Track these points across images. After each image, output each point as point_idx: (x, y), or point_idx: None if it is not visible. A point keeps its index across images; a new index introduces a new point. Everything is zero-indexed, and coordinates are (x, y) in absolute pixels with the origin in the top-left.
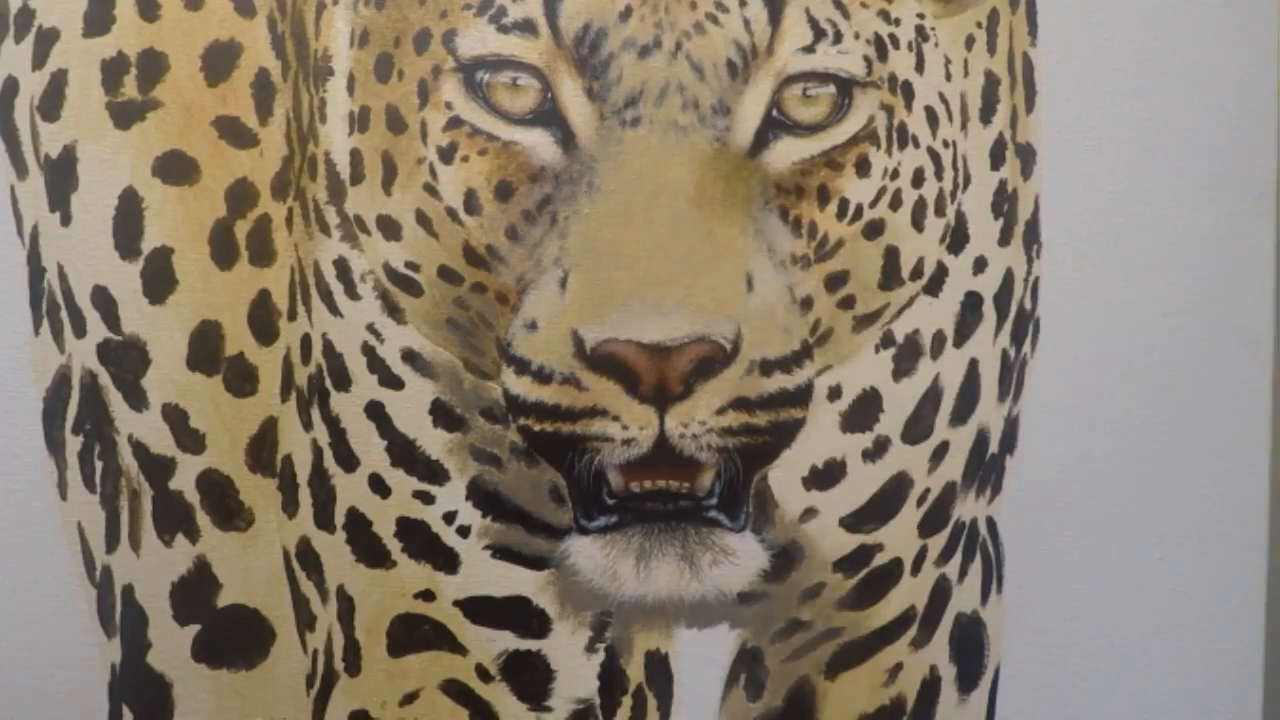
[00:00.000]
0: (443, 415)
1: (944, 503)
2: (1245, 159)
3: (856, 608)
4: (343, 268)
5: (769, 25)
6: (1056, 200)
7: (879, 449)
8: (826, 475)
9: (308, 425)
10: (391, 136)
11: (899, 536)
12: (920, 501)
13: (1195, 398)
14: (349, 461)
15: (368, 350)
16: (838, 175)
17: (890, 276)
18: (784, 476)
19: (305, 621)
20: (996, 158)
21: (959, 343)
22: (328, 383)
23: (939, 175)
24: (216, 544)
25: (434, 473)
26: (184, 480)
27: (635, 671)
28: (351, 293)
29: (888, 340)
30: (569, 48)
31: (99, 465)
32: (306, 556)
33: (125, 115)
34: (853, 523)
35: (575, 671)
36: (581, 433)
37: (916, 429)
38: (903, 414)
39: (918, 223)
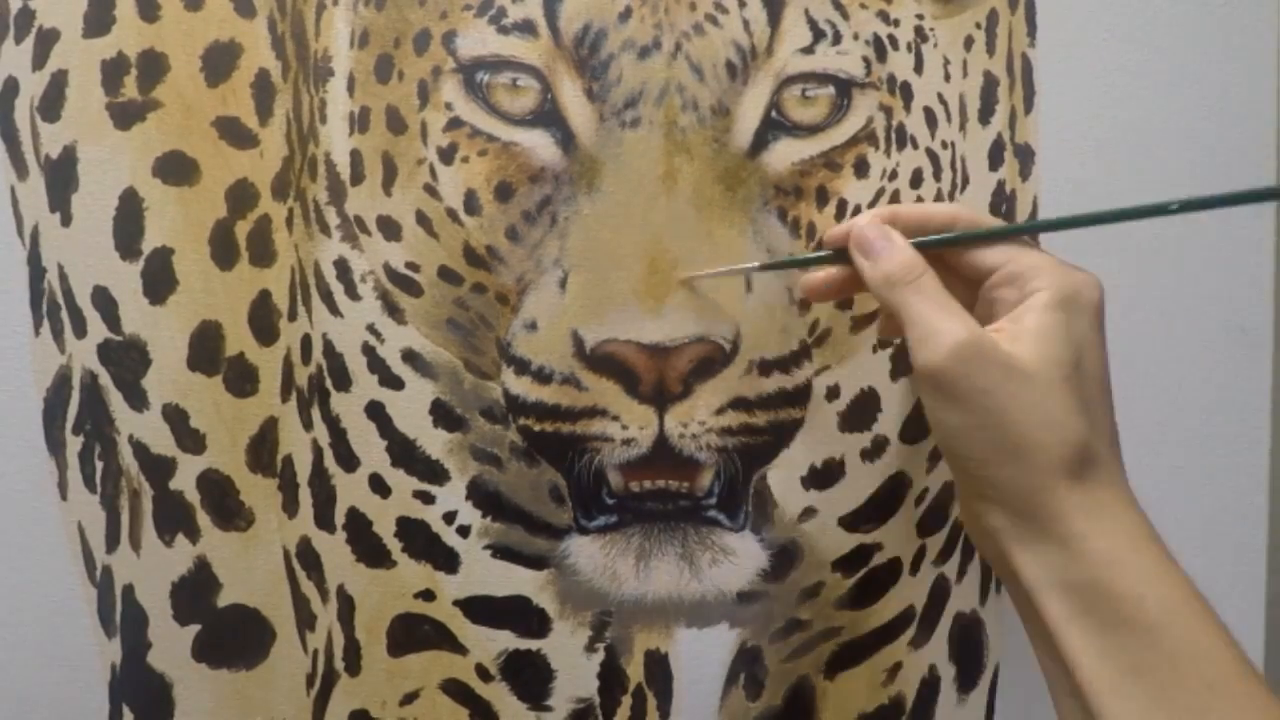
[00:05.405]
0: (443, 415)
1: (943, 502)
2: (1245, 159)
3: (855, 607)
4: (343, 268)
5: (768, 26)
6: (1056, 200)
7: (877, 449)
8: (825, 475)
9: (308, 425)
10: (392, 137)
11: (898, 536)
12: (919, 501)
13: (1194, 397)
14: (349, 461)
15: (368, 350)
16: (836, 176)
17: None
18: (783, 476)
19: (305, 621)
20: (995, 159)
21: None
22: (328, 383)
23: (937, 176)
24: (217, 544)
25: (434, 473)
26: (184, 480)
27: (635, 671)
28: (352, 293)
29: (886, 340)
30: (569, 49)
31: (99, 465)
32: (307, 556)
33: (125, 116)
34: (851, 522)
35: (575, 671)
36: (581, 433)
37: (915, 429)
38: (901, 414)
39: None
